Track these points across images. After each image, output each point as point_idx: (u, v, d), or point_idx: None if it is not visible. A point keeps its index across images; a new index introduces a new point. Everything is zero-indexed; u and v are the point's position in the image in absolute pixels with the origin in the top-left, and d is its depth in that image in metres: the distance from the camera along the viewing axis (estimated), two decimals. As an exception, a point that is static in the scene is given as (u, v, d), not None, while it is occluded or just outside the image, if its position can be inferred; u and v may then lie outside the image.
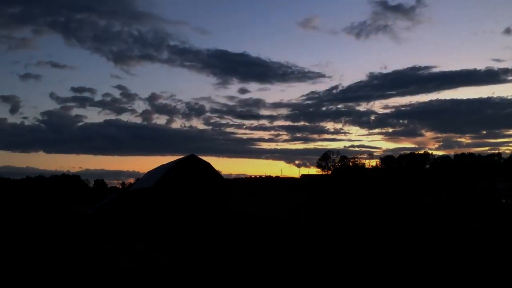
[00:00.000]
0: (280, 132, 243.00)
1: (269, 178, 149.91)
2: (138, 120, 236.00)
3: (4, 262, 23.14)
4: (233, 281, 16.57)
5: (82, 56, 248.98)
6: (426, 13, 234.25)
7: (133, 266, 21.72)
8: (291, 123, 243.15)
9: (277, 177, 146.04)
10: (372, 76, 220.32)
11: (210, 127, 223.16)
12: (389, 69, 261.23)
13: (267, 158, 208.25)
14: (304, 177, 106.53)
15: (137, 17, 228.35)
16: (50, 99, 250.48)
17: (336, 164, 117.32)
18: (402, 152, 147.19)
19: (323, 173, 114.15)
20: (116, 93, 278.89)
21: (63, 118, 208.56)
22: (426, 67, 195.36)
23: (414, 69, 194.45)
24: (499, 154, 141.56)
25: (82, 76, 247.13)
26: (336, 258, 22.76)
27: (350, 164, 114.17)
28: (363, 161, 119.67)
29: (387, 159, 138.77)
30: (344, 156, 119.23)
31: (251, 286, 15.64)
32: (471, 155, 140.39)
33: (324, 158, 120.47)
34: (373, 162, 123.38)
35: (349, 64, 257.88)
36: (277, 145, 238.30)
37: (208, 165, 55.75)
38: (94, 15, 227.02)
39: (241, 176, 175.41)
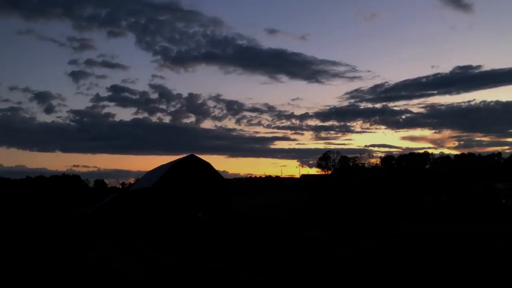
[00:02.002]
0: (306, 131, 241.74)
1: (269, 178, 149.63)
2: (167, 120, 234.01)
3: (4, 262, 23.14)
4: (233, 281, 16.57)
5: (142, 56, 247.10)
6: (491, 12, 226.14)
7: (133, 266, 21.72)
8: (319, 123, 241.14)
9: (277, 177, 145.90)
10: (420, 75, 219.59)
11: (239, 127, 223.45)
12: (441, 69, 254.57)
13: (282, 157, 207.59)
14: (304, 177, 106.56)
15: (213, 20, 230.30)
16: (88, 98, 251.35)
17: (336, 164, 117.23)
18: (424, 151, 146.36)
19: (323, 173, 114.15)
20: (156, 94, 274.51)
21: (93, 117, 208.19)
22: (478, 66, 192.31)
23: (463, 68, 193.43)
24: (499, 154, 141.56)
25: (129, 76, 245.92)
26: (336, 257, 22.76)
27: (350, 164, 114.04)
28: (365, 160, 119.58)
29: (387, 159, 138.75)
30: (344, 156, 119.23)
31: (251, 286, 15.63)
32: (471, 155, 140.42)
33: (324, 158, 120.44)
34: (374, 161, 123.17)
35: (404, 62, 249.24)
36: (297, 144, 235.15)
37: (208, 165, 55.83)
38: (174, 16, 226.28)
39: (249, 175, 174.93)
